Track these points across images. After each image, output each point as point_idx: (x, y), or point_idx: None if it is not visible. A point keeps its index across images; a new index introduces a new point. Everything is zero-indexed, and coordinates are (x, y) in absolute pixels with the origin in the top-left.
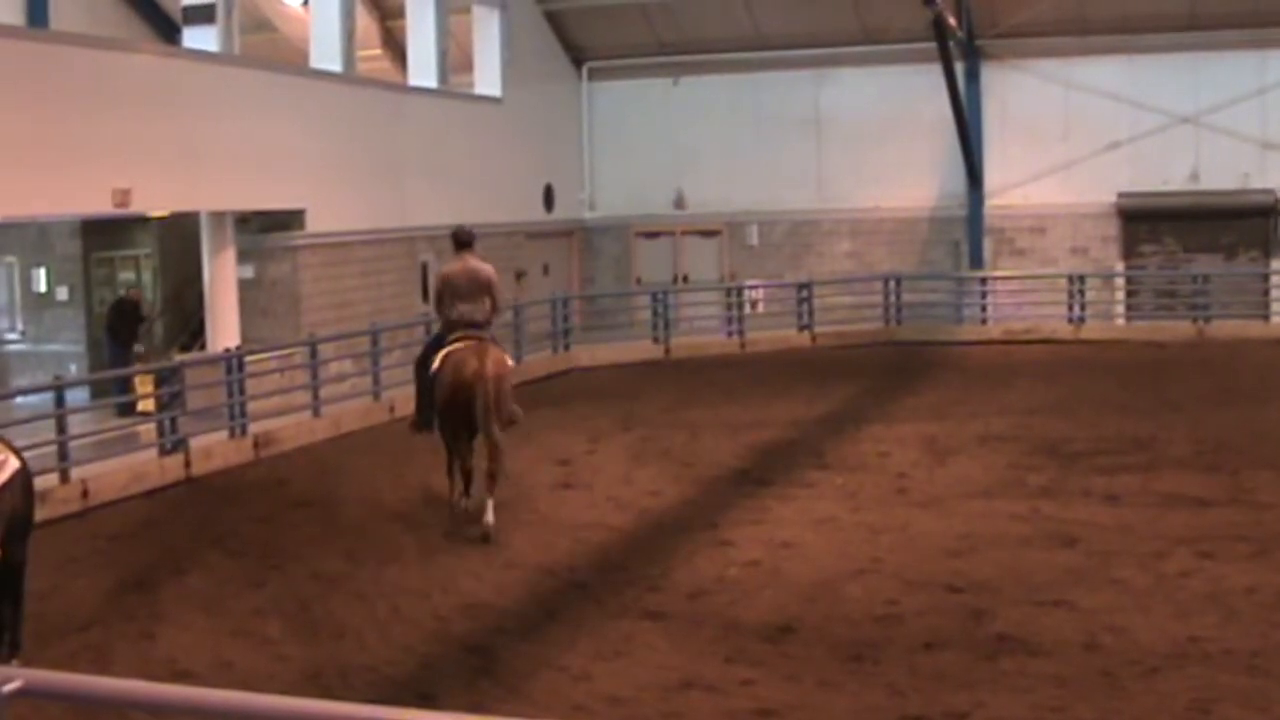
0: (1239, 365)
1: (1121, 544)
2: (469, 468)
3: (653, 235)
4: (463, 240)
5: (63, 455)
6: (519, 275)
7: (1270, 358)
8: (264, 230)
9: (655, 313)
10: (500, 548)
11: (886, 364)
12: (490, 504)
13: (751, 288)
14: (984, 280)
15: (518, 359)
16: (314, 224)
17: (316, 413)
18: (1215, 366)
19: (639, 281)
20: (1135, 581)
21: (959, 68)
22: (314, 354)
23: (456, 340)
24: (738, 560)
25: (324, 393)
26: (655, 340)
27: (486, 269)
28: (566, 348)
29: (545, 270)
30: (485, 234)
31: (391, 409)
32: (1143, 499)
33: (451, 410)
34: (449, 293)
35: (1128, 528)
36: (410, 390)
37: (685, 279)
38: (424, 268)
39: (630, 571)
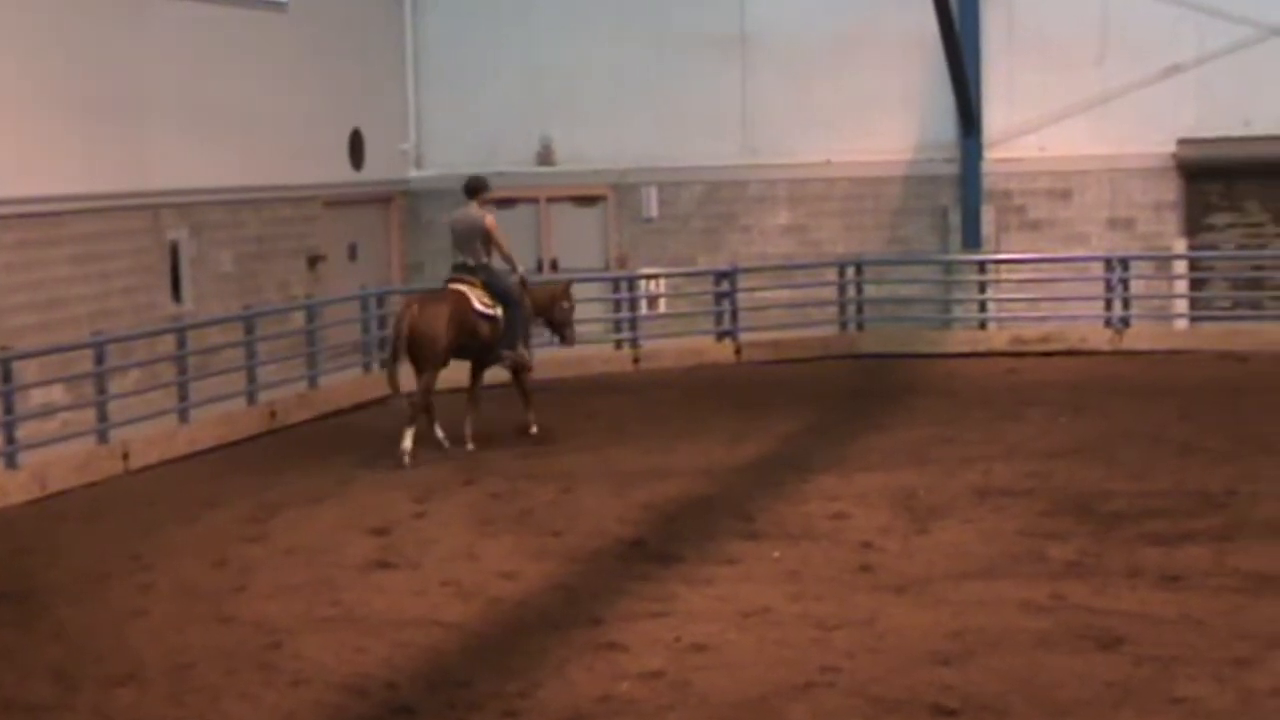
0: None
1: (1187, 646)
2: (415, 404)
3: (507, 203)
4: (468, 188)
5: None
6: (313, 260)
7: None
8: None
9: None
10: (286, 655)
11: (843, 387)
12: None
13: (650, 278)
14: (983, 266)
15: (311, 379)
16: (2, 187)
17: (11, 462)
18: None
19: None
20: (1210, 702)
21: None
22: (6, 376)
23: (446, 283)
24: (631, 671)
25: (22, 432)
26: None
27: (479, 215)
28: (382, 365)
29: (352, 253)
30: (263, 201)
31: (125, 456)
32: (1217, 581)
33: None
34: (451, 240)
35: (1196, 623)
36: (154, 426)
37: (554, 265)
38: (174, 250)
39: (475, 689)
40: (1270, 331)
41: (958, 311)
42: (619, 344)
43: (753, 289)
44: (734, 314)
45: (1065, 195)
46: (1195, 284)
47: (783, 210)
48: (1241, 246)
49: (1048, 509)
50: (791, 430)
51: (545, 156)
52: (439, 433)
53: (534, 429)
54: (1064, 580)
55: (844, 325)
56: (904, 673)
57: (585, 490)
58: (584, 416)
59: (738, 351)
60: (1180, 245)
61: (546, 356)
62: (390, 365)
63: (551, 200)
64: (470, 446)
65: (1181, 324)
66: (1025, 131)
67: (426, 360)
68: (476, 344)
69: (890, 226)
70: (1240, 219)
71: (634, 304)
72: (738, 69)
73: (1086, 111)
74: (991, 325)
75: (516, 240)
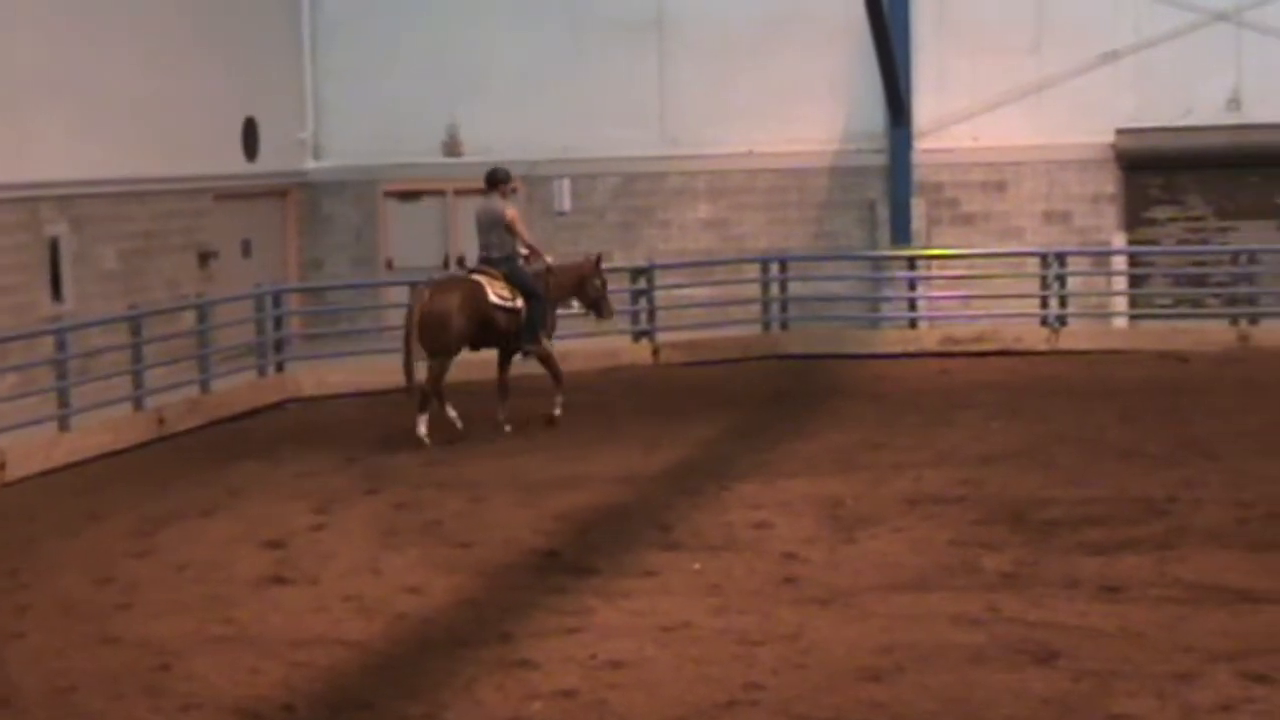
0: None
1: (1127, 660)
2: (425, 390)
3: (412, 195)
4: (489, 179)
5: None
6: (204, 257)
7: None
8: None
9: None
10: (175, 677)
11: (766, 390)
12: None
13: None
14: (913, 262)
15: (202, 383)
16: None
17: None
18: (1266, 390)
19: (391, 266)
20: (1151, 719)
21: None
22: None
23: (468, 272)
24: (543, 690)
25: None
26: None
27: (500, 207)
28: (279, 368)
29: (246, 249)
30: (150, 194)
31: (2, 466)
32: (1158, 591)
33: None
34: (476, 230)
35: (1136, 636)
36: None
37: (461, 262)
38: (54, 246)
39: (378, 711)
40: (1212, 330)
41: (886, 310)
42: None
43: (671, 287)
44: (651, 313)
45: (999, 187)
46: (1135, 280)
47: (703, 203)
48: (1182, 241)
49: (981, 517)
50: (712, 436)
51: (451, 147)
52: (451, 412)
53: (557, 411)
54: (998, 592)
55: (767, 325)
56: (831, 690)
57: (495, 500)
58: (493, 422)
59: (655, 353)
60: (1119, 240)
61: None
62: (406, 355)
63: (459, 193)
64: (508, 429)
65: (1120, 322)
66: (957, 121)
67: (438, 346)
68: (494, 335)
69: (816, 221)
70: (1181, 212)
71: None
72: (655, 55)
73: (1021, 100)
74: (922, 324)
75: (420, 235)
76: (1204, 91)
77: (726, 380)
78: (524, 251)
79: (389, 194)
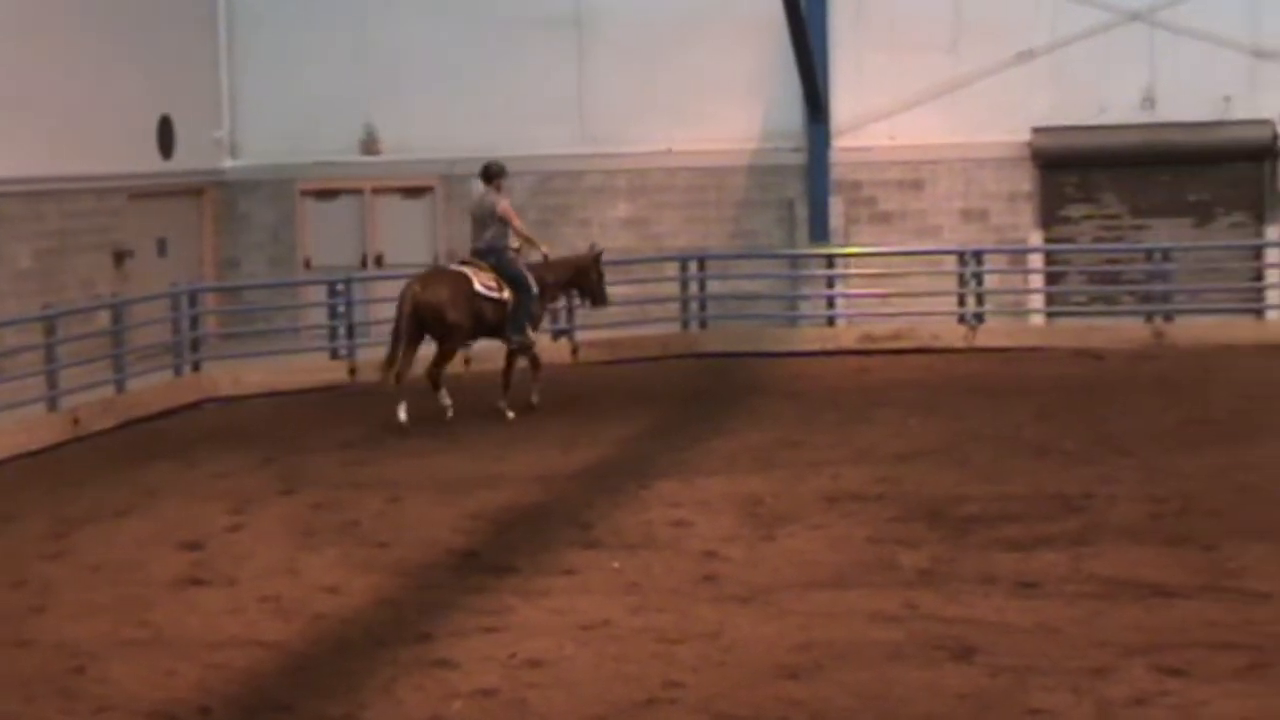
0: (1216, 384)
1: (1043, 656)
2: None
3: (329, 194)
4: (484, 173)
5: None
6: (119, 256)
7: (1262, 372)
8: None
9: (334, 313)
10: (90, 680)
11: (685, 388)
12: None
13: None
14: (831, 260)
15: (118, 383)
16: None
17: None
18: (1180, 387)
19: (309, 265)
20: (1067, 713)
21: None
22: None
23: (457, 264)
24: (462, 690)
25: None
26: (335, 355)
27: (493, 200)
28: (196, 367)
29: (161, 248)
30: (64, 193)
31: None
32: (1074, 587)
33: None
34: (470, 222)
35: (1052, 631)
36: None
37: (380, 261)
38: None
39: (296, 712)
40: (1127, 328)
41: (805, 308)
42: None
43: None
44: (569, 312)
45: (917, 186)
46: (1051, 278)
47: (621, 202)
48: (1098, 239)
49: (899, 515)
50: (631, 434)
51: (369, 145)
52: (403, 412)
53: (510, 413)
54: (916, 589)
55: (686, 323)
56: (750, 687)
57: (413, 499)
58: (411, 420)
59: (574, 351)
60: (1035, 238)
61: (370, 357)
62: (392, 346)
63: (377, 192)
64: (510, 415)
65: (1037, 320)
66: (875, 119)
67: (442, 332)
68: (483, 325)
69: (734, 219)
70: (1096, 210)
71: None
72: (574, 52)
73: (938, 98)
74: (840, 322)
75: (338, 234)
76: (1118, 90)
77: (645, 379)
78: (516, 244)
79: (306, 193)
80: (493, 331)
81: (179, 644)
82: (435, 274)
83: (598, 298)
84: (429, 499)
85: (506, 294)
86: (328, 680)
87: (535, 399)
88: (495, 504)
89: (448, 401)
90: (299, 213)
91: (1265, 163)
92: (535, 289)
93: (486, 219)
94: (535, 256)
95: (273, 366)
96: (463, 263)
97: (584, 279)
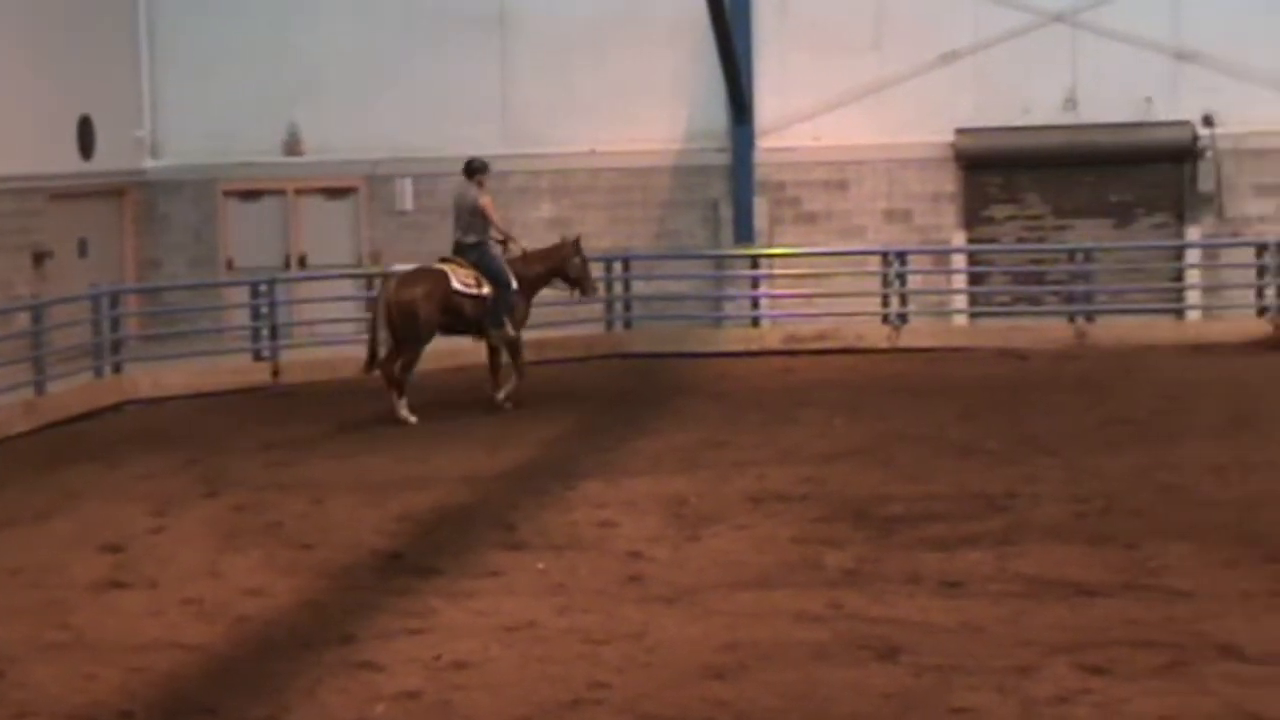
0: (1137, 384)
1: (968, 655)
2: (386, 371)
3: (252, 195)
4: (466, 169)
5: None
6: (38, 257)
7: (1183, 372)
8: None
9: (257, 314)
10: (9, 685)
11: (609, 389)
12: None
13: None
14: (756, 261)
15: (37, 386)
16: None
17: None
18: (1103, 387)
19: (231, 266)
20: (991, 712)
21: None
22: None
23: (438, 261)
24: (387, 692)
25: None
26: (257, 356)
27: (474, 195)
28: (117, 369)
29: (82, 249)
30: None
31: None
32: (998, 586)
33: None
34: (452, 219)
35: (977, 630)
36: None
37: (303, 262)
38: None
39: (219, 715)
40: (1050, 328)
41: (730, 309)
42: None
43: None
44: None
45: (841, 186)
46: (974, 278)
47: (545, 203)
48: (1021, 239)
49: (824, 515)
50: (556, 435)
51: (292, 146)
52: (403, 410)
53: (508, 403)
54: (841, 589)
55: (610, 324)
56: (676, 688)
57: (337, 501)
58: (336, 423)
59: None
60: (959, 238)
61: (293, 358)
62: (370, 342)
63: (300, 193)
64: (509, 406)
65: (961, 320)
66: (799, 120)
67: (408, 334)
68: (463, 321)
69: (659, 220)
70: (1020, 211)
71: None
72: (497, 52)
73: (862, 99)
74: (765, 323)
75: (260, 235)
76: (1041, 91)
77: (570, 380)
78: (499, 238)
79: (228, 193)
80: (474, 327)
81: (100, 647)
82: (413, 274)
83: (584, 286)
84: (353, 500)
85: (486, 290)
86: (251, 683)
87: (500, 395)
88: (420, 505)
89: (402, 407)
90: (221, 213)
91: (1186, 164)
92: (514, 283)
93: (467, 213)
94: (516, 251)
95: (195, 368)
96: (443, 260)
97: (566, 268)
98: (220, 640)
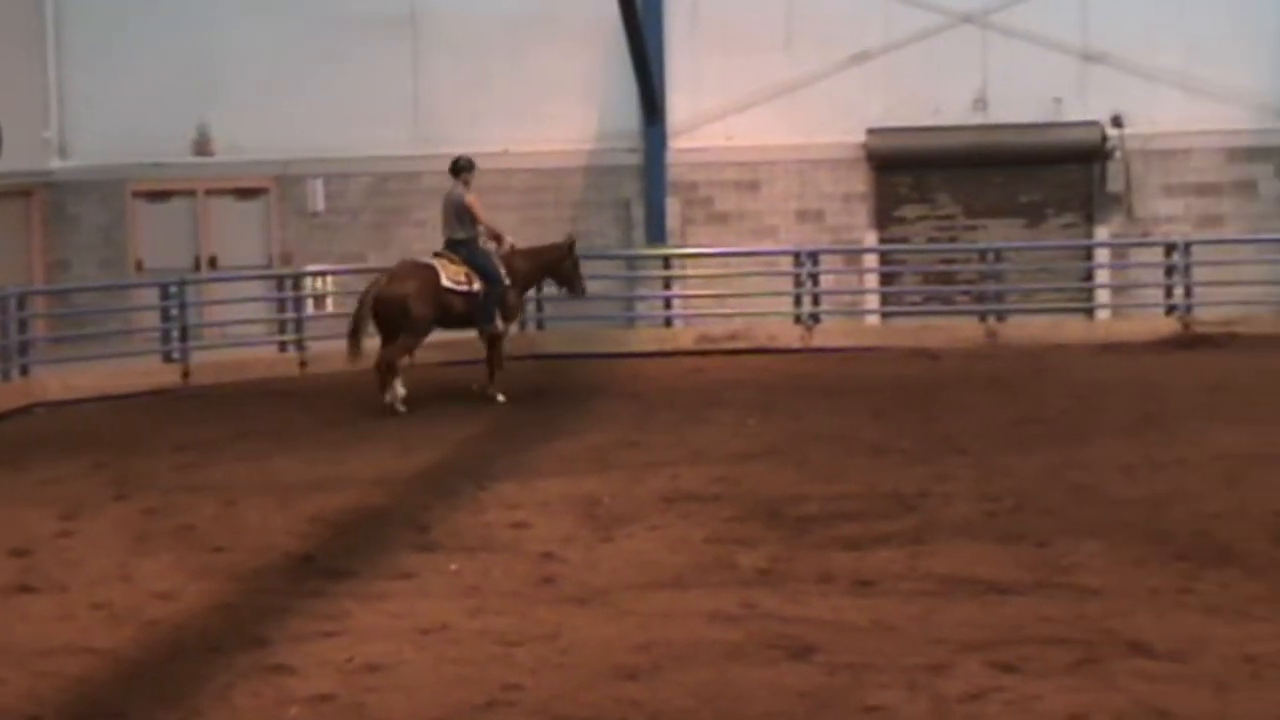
0: (1048, 384)
1: (880, 653)
2: (380, 362)
3: (161, 196)
4: (453, 168)
5: None
6: None
7: (1093, 372)
8: None
9: (167, 316)
10: None
11: (522, 389)
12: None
13: (317, 275)
14: (668, 261)
15: None
16: None
17: None
18: (1014, 386)
19: (140, 267)
20: (902, 710)
21: None
22: None
23: (431, 255)
24: (299, 695)
25: None
26: (168, 358)
27: (461, 193)
28: (24, 371)
29: None
30: None
31: None
32: (910, 585)
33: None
34: (441, 216)
35: (889, 628)
36: None
37: (214, 263)
38: None
39: None
40: (961, 327)
41: (642, 309)
42: (283, 346)
43: None
44: None
45: (753, 187)
46: (886, 278)
47: None
48: (932, 239)
49: (737, 514)
50: (469, 436)
51: (202, 146)
52: (395, 398)
53: (500, 397)
54: (754, 588)
55: (523, 324)
56: (589, 689)
57: (249, 503)
58: (247, 425)
59: (411, 353)
60: (870, 238)
61: (204, 360)
62: (352, 334)
63: (210, 193)
64: (501, 399)
65: (873, 320)
66: (711, 120)
67: (397, 328)
68: (453, 317)
69: (571, 220)
70: (931, 211)
71: (300, 304)
72: (409, 52)
73: (774, 100)
74: (677, 323)
75: (170, 236)
76: (951, 92)
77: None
78: (490, 235)
79: (138, 194)
80: (464, 323)
81: (8, 652)
82: (403, 268)
83: (574, 287)
84: (265, 502)
85: (477, 286)
86: (161, 687)
87: (477, 386)
88: (332, 507)
89: (396, 398)
90: (130, 214)
91: (1095, 164)
92: (506, 280)
93: (455, 212)
94: (506, 248)
95: (104, 370)
96: (435, 255)
97: (558, 269)
98: (130, 644)
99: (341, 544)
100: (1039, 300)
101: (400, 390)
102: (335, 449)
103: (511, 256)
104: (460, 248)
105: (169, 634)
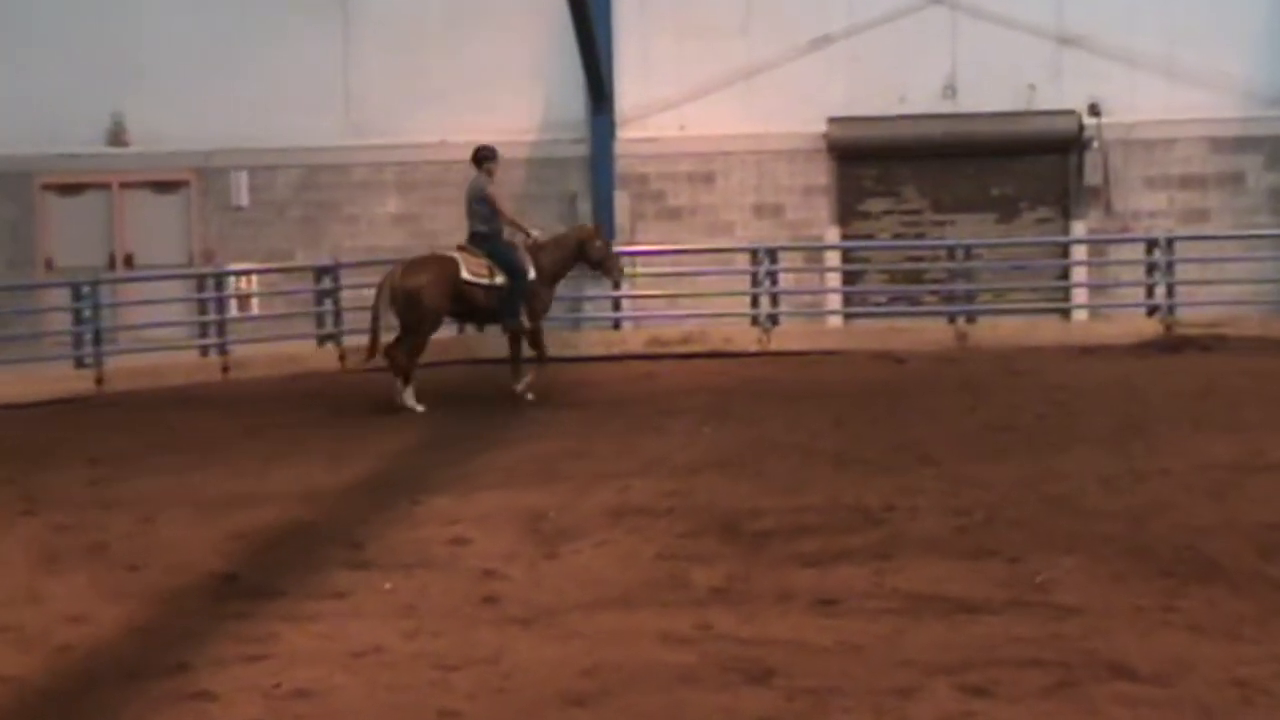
0: (1022, 389)
1: (844, 676)
2: (391, 357)
3: (73, 189)
4: (475, 158)
5: None
6: None
7: (1069, 376)
8: None
9: (79, 318)
10: None
11: (461, 396)
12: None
13: (241, 274)
14: None
15: None
16: None
17: None
18: (985, 392)
19: (51, 266)
20: None
21: None
22: None
23: (454, 248)
24: None
25: None
26: (80, 363)
27: (482, 184)
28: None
29: None
30: None
31: None
32: (876, 603)
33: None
34: (465, 207)
35: (854, 650)
36: None
37: (130, 261)
38: None
39: None
40: (929, 329)
41: (589, 310)
42: (205, 350)
43: (359, 286)
44: (338, 315)
45: (708, 179)
46: (849, 277)
47: (392, 197)
48: (898, 236)
49: (690, 529)
50: (403, 446)
51: (117, 136)
52: (409, 398)
53: (529, 395)
54: (709, 608)
55: (461, 328)
56: (532, 715)
57: (167, 519)
58: (165, 435)
59: (341, 358)
60: (832, 234)
61: (119, 365)
62: (373, 329)
63: (125, 186)
64: (530, 397)
65: (835, 321)
66: (663, 109)
67: (412, 321)
68: (474, 310)
69: (513, 214)
70: (897, 205)
71: (222, 305)
72: (339, 37)
73: (730, 87)
74: (627, 325)
75: (83, 232)
76: (919, 79)
77: (419, 387)
78: (518, 228)
79: (47, 187)
80: (490, 317)
81: None
82: (421, 260)
83: (610, 270)
84: (185, 519)
85: (500, 279)
86: (75, 717)
87: (520, 387)
88: (258, 523)
89: (410, 398)
90: (39, 209)
91: (1071, 154)
92: (531, 273)
93: (477, 203)
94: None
95: (11, 377)
96: (459, 248)
97: (588, 253)
98: (40, 671)
99: (267, 562)
100: (1012, 300)
101: (410, 393)
102: (261, 460)
103: (536, 249)
104: (483, 241)
105: (82, 660)
